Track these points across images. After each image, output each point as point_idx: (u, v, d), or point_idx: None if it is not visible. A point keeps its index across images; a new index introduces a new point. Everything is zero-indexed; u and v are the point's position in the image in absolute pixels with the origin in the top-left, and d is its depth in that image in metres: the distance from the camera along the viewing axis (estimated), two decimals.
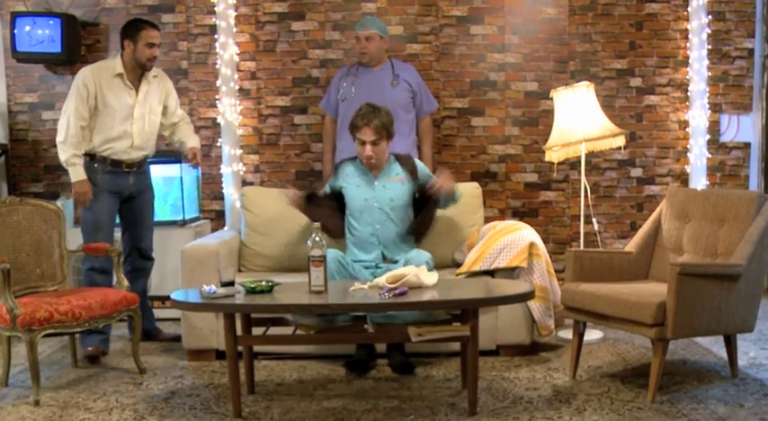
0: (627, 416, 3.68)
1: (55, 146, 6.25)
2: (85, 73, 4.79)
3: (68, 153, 4.71)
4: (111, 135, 4.83)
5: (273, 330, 4.16)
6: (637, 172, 6.35)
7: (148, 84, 4.95)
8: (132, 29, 4.84)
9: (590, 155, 5.62)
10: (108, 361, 4.78)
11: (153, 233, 5.20)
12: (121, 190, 4.94)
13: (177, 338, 5.07)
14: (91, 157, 4.83)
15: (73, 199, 4.82)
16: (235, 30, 6.18)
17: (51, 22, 5.98)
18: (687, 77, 6.23)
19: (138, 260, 5.08)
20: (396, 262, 4.52)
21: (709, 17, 6.14)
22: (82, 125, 4.74)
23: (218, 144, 6.17)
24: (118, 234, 5.14)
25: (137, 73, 4.89)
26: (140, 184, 5.04)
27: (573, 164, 6.09)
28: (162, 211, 5.85)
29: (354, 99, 5.47)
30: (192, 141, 5.17)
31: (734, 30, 6.26)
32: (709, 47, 6.15)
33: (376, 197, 4.66)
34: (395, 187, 4.69)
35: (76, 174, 4.73)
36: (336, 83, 5.70)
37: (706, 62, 6.13)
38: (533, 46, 6.28)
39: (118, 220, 5.09)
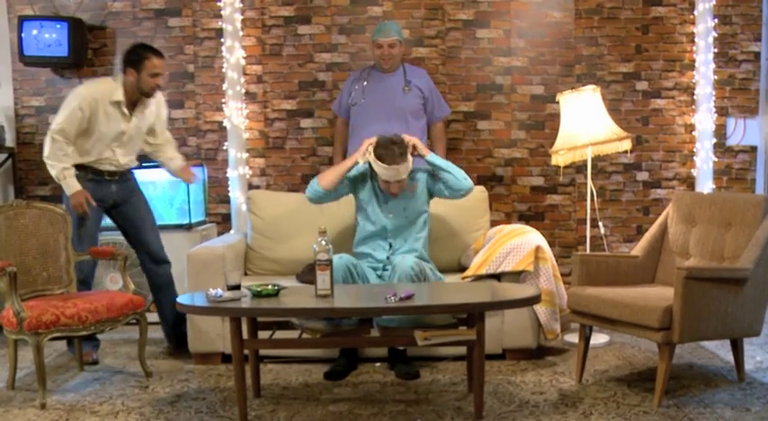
0: (633, 420, 3.68)
1: None
2: (83, 96, 4.68)
3: (57, 168, 4.63)
4: (98, 155, 4.79)
5: (279, 334, 4.16)
6: (643, 175, 6.33)
7: (144, 108, 4.88)
8: (136, 58, 4.71)
9: (596, 158, 5.62)
10: (114, 364, 4.79)
11: (159, 234, 5.15)
12: (105, 198, 4.87)
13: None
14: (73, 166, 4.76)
15: (71, 209, 4.70)
16: (241, 33, 6.19)
17: (58, 25, 6.00)
18: (693, 81, 6.22)
19: (153, 267, 5.00)
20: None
21: (716, 20, 6.12)
22: (67, 143, 4.66)
23: (225, 147, 6.18)
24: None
25: (135, 98, 4.82)
26: (124, 191, 4.97)
27: (579, 167, 6.09)
28: (168, 215, 5.86)
29: (365, 105, 5.48)
30: (179, 160, 5.10)
31: (740, 33, 6.25)
32: (716, 50, 6.14)
33: (390, 208, 4.69)
34: (407, 197, 4.70)
35: (70, 186, 4.65)
36: (348, 86, 5.70)
37: (712, 65, 6.12)
38: (539, 49, 6.28)
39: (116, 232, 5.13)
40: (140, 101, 4.84)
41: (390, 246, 4.66)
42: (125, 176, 4.98)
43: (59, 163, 4.63)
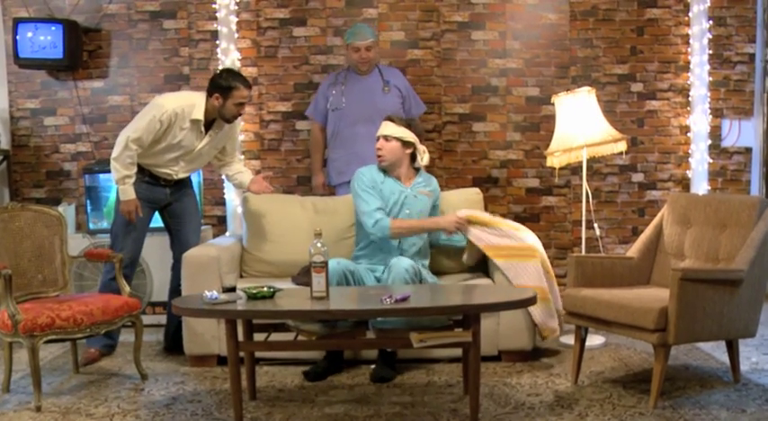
0: None
1: (56, 151, 6.38)
2: (166, 108, 4.68)
3: (121, 174, 4.68)
4: (161, 164, 4.86)
5: (275, 336, 4.15)
6: (638, 177, 6.35)
7: (219, 129, 4.92)
8: (225, 85, 4.73)
9: (591, 160, 5.62)
10: (109, 367, 4.78)
11: (200, 237, 5.21)
12: (157, 199, 4.95)
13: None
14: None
15: (120, 211, 4.80)
16: (236, 35, 6.20)
17: (53, 28, 5.99)
18: (688, 82, 6.24)
19: None
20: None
21: (710, 22, 6.15)
22: (138, 151, 4.70)
23: None
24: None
25: (212, 118, 4.85)
26: (178, 193, 5.06)
27: (574, 169, 6.10)
28: None
29: (345, 109, 5.46)
30: (248, 173, 5.15)
31: (735, 35, 6.27)
32: (710, 52, 6.16)
33: (408, 205, 4.69)
34: (424, 200, 4.75)
35: (126, 193, 4.72)
36: (325, 91, 5.66)
37: (707, 67, 6.15)
38: (534, 51, 6.29)
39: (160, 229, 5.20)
40: (217, 121, 4.87)
41: (399, 242, 4.66)
42: (182, 182, 5.06)
43: (125, 169, 4.69)
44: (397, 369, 4.52)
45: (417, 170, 4.81)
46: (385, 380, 4.37)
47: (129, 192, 4.73)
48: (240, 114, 4.89)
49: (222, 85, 4.74)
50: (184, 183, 5.10)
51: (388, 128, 4.66)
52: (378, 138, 4.69)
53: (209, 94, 4.77)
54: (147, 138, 4.68)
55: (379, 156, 4.68)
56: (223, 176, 5.28)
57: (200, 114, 4.76)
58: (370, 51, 5.48)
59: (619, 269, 4.48)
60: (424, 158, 4.77)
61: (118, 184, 4.72)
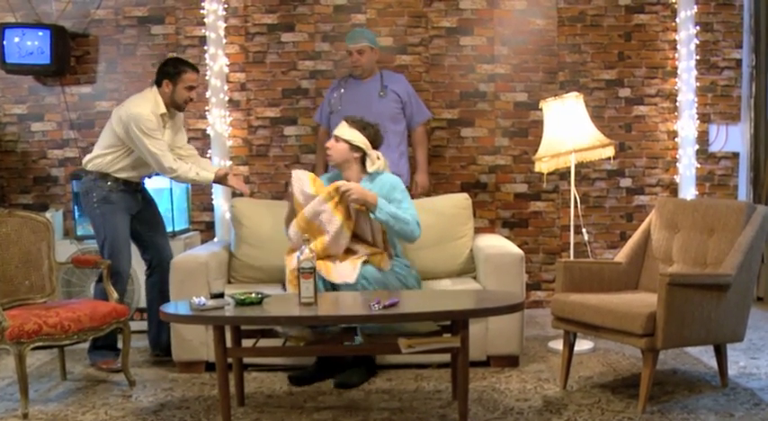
0: None
1: (44, 157, 6.36)
2: (146, 113, 4.68)
3: (188, 173, 4.78)
4: (138, 164, 4.86)
5: (263, 342, 4.15)
6: (626, 182, 6.36)
7: (172, 119, 4.95)
8: (173, 70, 4.80)
9: (579, 165, 5.63)
10: (97, 373, 4.76)
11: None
12: (132, 207, 4.93)
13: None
14: (103, 177, 4.79)
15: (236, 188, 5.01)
16: (224, 41, 6.19)
17: (41, 33, 5.98)
18: (676, 88, 6.26)
19: (163, 273, 4.93)
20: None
21: (698, 28, 6.17)
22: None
23: (208, 155, 6.17)
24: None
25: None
26: (145, 199, 5.06)
27: (562, 174, 6.11)
28: None
29: (341, 112, 5.48)
30: (212, 169, 5.04)
31: (722, 40, 6.30)
32: (698, 57, 6.19)
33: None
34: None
35: (209, 176, 4.87)
36: (328, 95, 5.74)
37: (694, 72, 6.17)
38: (523, 57, 6.30)
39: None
40: (169, 111, 4.91)
41: None
42: (142, 184, 5.06)
43: (183, 167, 4.80)
44: (382, 374, 4.51)
45: (370, 174, 4.67)
46: (348, 387, 4.35)
47: (209, 173, 4.87)
48: (191, 99, 4.91)
49: (170, 71, 4.81)
50: (144, 189, 5.08)
51: (341, 129, 4.66)
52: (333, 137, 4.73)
53: (159, 84, 4.83)
54: (165, 146, 4.75)
55: (328, 155, 4.71)
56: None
57: (163, 108, 4.81)
58: (363, 55, 5.50)
59: (607, 274, 4.49)
60: (375, 164, 4.67)
61: (200, 178, 4.86)
